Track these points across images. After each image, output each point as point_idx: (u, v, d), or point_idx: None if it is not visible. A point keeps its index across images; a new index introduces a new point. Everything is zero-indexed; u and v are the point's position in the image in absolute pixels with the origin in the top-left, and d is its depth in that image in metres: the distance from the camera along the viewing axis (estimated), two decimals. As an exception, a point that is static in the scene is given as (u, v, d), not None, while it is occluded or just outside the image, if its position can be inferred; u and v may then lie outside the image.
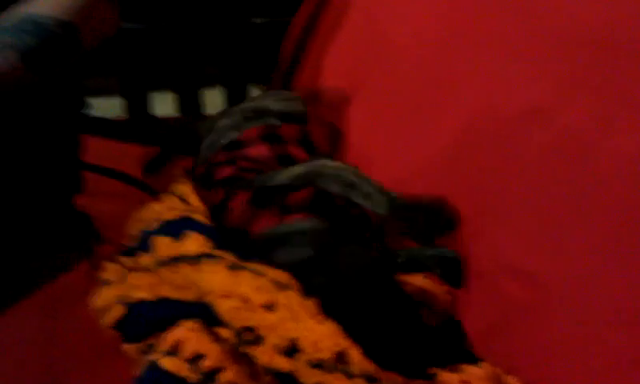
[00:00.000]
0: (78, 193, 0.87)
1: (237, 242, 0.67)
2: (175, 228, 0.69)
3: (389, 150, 0.94)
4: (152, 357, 0.55)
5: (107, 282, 0.66)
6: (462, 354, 0.64)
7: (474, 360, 0.62)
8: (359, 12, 1.12)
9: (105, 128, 1.10)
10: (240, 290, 0.59)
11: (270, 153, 0.80)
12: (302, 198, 0.71)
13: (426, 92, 0.89)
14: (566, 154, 0.65)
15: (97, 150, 0.94)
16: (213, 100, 1.51)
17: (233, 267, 0.62)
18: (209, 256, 0.64)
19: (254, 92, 1.43)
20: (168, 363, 0.53)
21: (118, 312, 0.60)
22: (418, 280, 0.74)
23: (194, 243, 0.67)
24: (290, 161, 0.80)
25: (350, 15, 1.13)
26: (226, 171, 0.79)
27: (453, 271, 0.74)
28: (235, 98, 1.40)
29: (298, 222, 0.68)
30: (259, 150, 0.81)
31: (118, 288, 0.64)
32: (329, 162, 0.80)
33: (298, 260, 0.63)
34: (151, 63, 1.35)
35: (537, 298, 0.64)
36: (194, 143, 0.90)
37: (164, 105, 1.40)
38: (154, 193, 0.93)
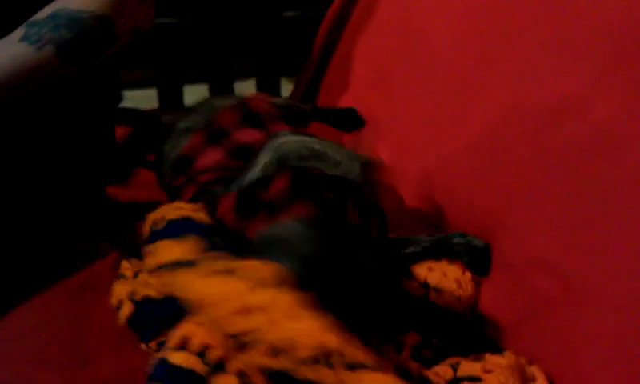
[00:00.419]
0: (110, 182, 0.89)
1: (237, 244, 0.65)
2: (176, 229, 0.67)
3: (418, 141, 0.93)
4: (161, 354, 0.55)
5: (122, 277, 0.67)
6: (485, 343, 0.64)
7: (497, 349, 0.62)
8: (390, 4, 1.12)
9: (137, 119, 1.11)
10: (228, 298, 0.54)
11: (220, 154, 0.77)
12: (281, 189, 0.65)
13: (458, 84, 0.88)
14: (598, 148, 0.64)
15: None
16: (245, 92, 1.52)
17: (221, 272, 0.56)
18: (198, 262, 0.60)
19: (286, 84, 1.44)
20: (177, 357, 0.53)
21: (127, 310, 0.61)
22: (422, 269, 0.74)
23: (189, 248, 0.63)
24: (245, 151, 0.76)
25: (381, 7, 1.13)
26: (190, 191, 0.77)
27: (481, 260, 0.74)
28: (267, 89, 1.41)
29: (285, 225, 0.62)
30: (211, 157, 0.78)
31: (130, 284, 0.64)
32: (288, 137, 0.74)
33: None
34: (185, 56, 1.37)
35: (565, 292, 0.63)
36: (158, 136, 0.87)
37: (197, 97, 1.42)
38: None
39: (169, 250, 0.62)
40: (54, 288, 0.69)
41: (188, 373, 0.52)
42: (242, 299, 0.51)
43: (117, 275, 0.69)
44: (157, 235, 0.68)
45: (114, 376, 0.60)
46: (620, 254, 0.59)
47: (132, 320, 0.61)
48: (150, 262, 0.66)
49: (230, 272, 0.53)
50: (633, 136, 0.62)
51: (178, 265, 0.59)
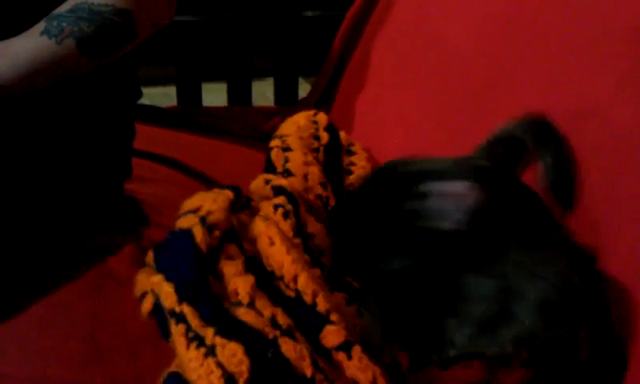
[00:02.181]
0: (127, 178, 0.88)
1: None
2: (166, 255, 0.64)
3: (436, 145, 0.93)
4: (175, 368, 0.55)
5: (148, 266, 0.65)
6: None
7: None
8: (410, 7, 1.11)
9: (156, 116, 1.12)
10: (188, 373, 0.54)
11: None
12: None
13: (479, 86, 0.88)
14: (620, 154, 0.64)
15: (148, 136, 0.96)
16: (263, 91, 1.53)
17: (189, 336, 0.56)
18: (174, 315, 0.59)
19: (304, 84, 1.44)
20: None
21: (150, 303, 0.60)
22: None
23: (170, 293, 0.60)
24: None
25: (400, 9, 1.13)
26: None
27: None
28: (285, 90, 1.41)
29: None
30: None
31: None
32: None
33: None
34: (205, 54, 1.37)
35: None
36: None
37: (215, 95, 1.43)
38: (203, 179, 0.95)
39: (159, 286, 0.60)
40: (70, 283, 0.69)
41: None
42: None
43: (137, 267, 0.66)
44: (158, 254, 0.65)
45: (130, 374, 0.60)
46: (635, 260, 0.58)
47: (154, 312, 0.60)
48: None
49: (209, 350, 0.53)
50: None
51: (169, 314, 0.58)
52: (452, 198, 0.56)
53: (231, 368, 0.52)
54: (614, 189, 0.63)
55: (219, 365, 0.52)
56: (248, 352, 0.53)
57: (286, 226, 0.68)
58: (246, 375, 0.52)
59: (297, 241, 0.67)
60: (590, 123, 0.68)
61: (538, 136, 0.64)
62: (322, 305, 0.60)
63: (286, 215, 0.69)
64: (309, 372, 0.53)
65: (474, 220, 0.53)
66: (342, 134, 0.90)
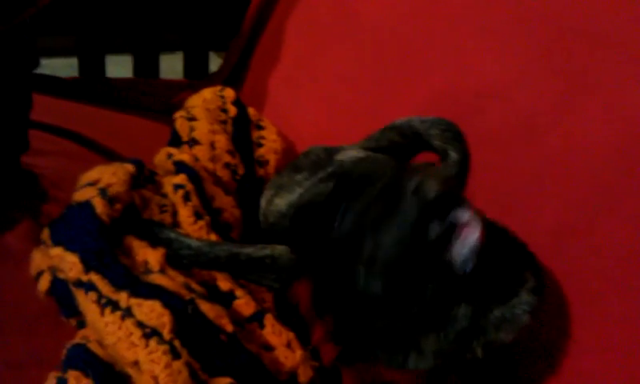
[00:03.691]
0: (24, 151, 0.84)
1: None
2: (66, 229, 0.61)
3: (347, 119, 0.94)
4: (79, 339, 0.54)
5: (44, 244, 0.62)
6: None
7: None
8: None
9: (56, 87, 1.07)
10: (105, 339, 0.54)
11: None
12: None
13: (391, 64, 0.89)
14: (520, 135, 0.66)
15: (47, 108, 0.92)
16: (173, 65, 1.49)
17: (101, 303, 0.55)
18: (81, 285, 0.57)
19: (215, 59, 1.41)
20: (96, 347, 0.53)
21: (46, 283, 0.58)
22: None
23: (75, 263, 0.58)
24: None
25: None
26: None
27: None
28: (195, 64, 1.38)
29: None
30: None
31: (49, 255, 0.60)
32: None
33: None
34: (109, 24, 1.32)
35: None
36: None
37: (120, 68, 1.38)
38: (105, 152, 0.92)
39: (60, 258, 0.59)
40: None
41: (104, 364, 0.52)
42: (126, 348, 0.51)
43: (35, 244, 0.64)
44: (55, 229, 0.62)
45: (27, 355, 0.58)
46: (535, 238, 0.61)
47: (51, 293, 0.59)
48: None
49: (126, 312, 0.53)
50: (551, 124, 0.64)
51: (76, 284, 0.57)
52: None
53: (152, 323, 0.51)
54: (512, 166, 0.66)
55: (138, 325, 0.52)
56: (167, 307, 0.52)
57: (186, 210, 0.67)
58: (169, 326, 0.51)
59: (201, 223, 0.67)
60: (494, 103, 0.70)
61: (445, 135, 0.68)
62: (223, 285, 0.61)
63: (186, 197, 0.68)
64: (230, 328, 0.54)
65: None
66: (251, 110, 0.90)
